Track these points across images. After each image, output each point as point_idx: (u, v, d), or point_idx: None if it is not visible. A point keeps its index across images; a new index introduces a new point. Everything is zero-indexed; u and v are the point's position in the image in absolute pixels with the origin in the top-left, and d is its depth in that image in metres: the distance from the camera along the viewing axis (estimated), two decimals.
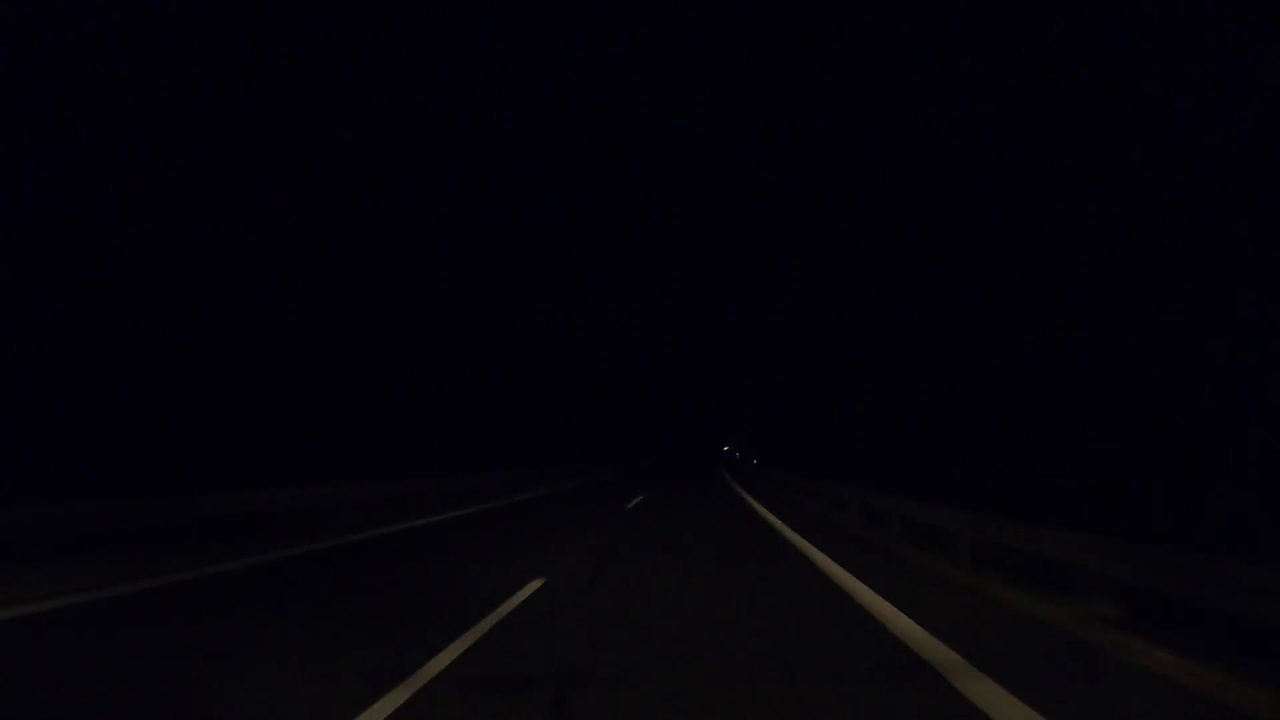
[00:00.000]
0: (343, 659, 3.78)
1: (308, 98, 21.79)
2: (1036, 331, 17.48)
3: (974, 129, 21.07)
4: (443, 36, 32.13)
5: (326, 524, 9.59)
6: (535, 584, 5.76)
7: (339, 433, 20.64)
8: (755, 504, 16.10)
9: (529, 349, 39.46)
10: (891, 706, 3.29)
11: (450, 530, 10.19)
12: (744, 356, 60.96)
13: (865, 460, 23.55)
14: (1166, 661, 3.99)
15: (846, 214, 32.86)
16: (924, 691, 3.46)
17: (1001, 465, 15.45)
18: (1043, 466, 14.33)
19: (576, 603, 5.28)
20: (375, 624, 4.59)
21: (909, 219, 25.55)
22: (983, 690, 3.40)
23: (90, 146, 15.75)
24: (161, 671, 3.61)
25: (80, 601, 4.98)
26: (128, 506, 7.63)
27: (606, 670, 3.63)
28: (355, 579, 6.42)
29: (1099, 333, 15.15)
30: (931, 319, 23.49)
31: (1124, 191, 15.32)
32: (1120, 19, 14.49)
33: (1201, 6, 12.73)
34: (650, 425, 73.17)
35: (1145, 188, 14.57)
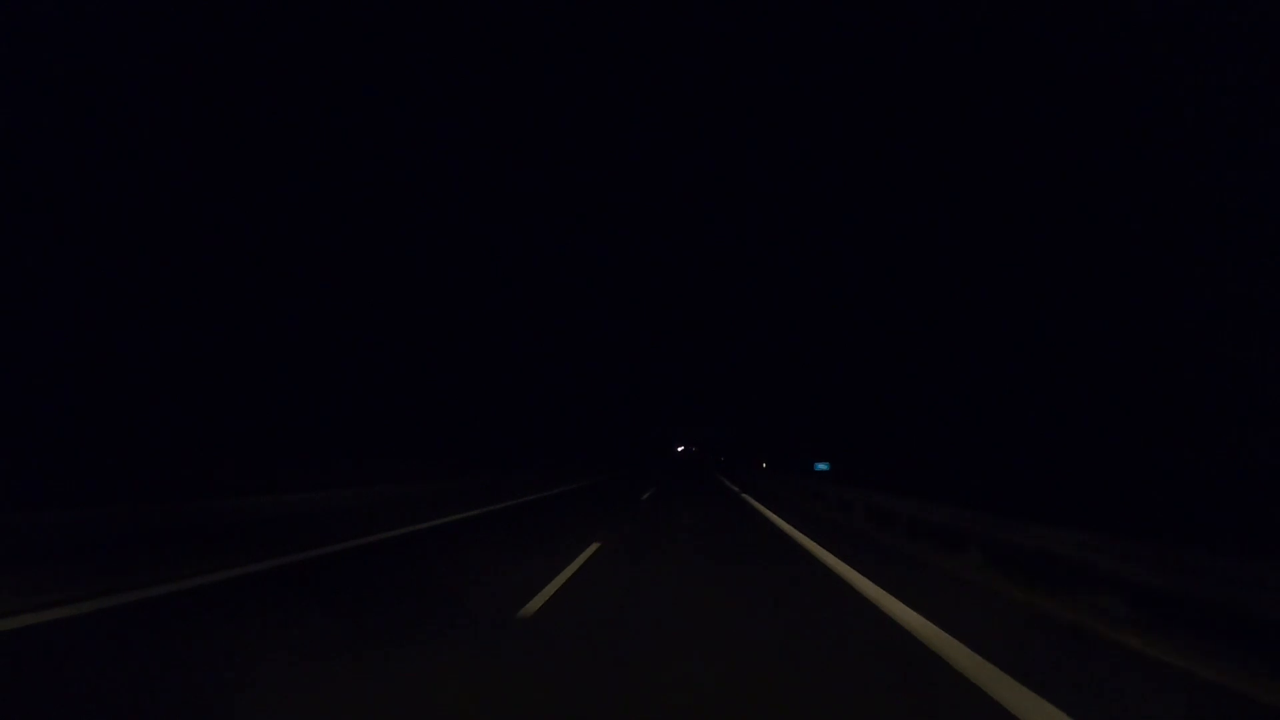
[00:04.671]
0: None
1: (314, 103, 21.80)
2: (1035, 330, 17.52)
3: (973, 128, 21.13)
4: (445, 38, 32.16)
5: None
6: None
7: (338, 435, 20.63)
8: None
9: (525, 351, 39.43)
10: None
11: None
12: (745, 358, 60.91)
13: (873, 461, 23.56)
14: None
15: (846, 213, 32.91)
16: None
17: (1005, 465, 15.49)
18: (1045, 465, 14.36)
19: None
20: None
21: (909, 219, 25.60)
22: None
23: (90, 147, 15.70)
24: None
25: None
26: (166, 511, 7.61)
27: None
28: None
29: (1098, 331, 15.19)
30: (931, 318, 23.53)
31: (1120, 191, 15.38)
32: (1121, 19, 14.54)
33: (1202, 7, 12.80)
34: (651, 430, 72.18)
35: (1143, 188, 14.63)
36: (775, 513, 13.98)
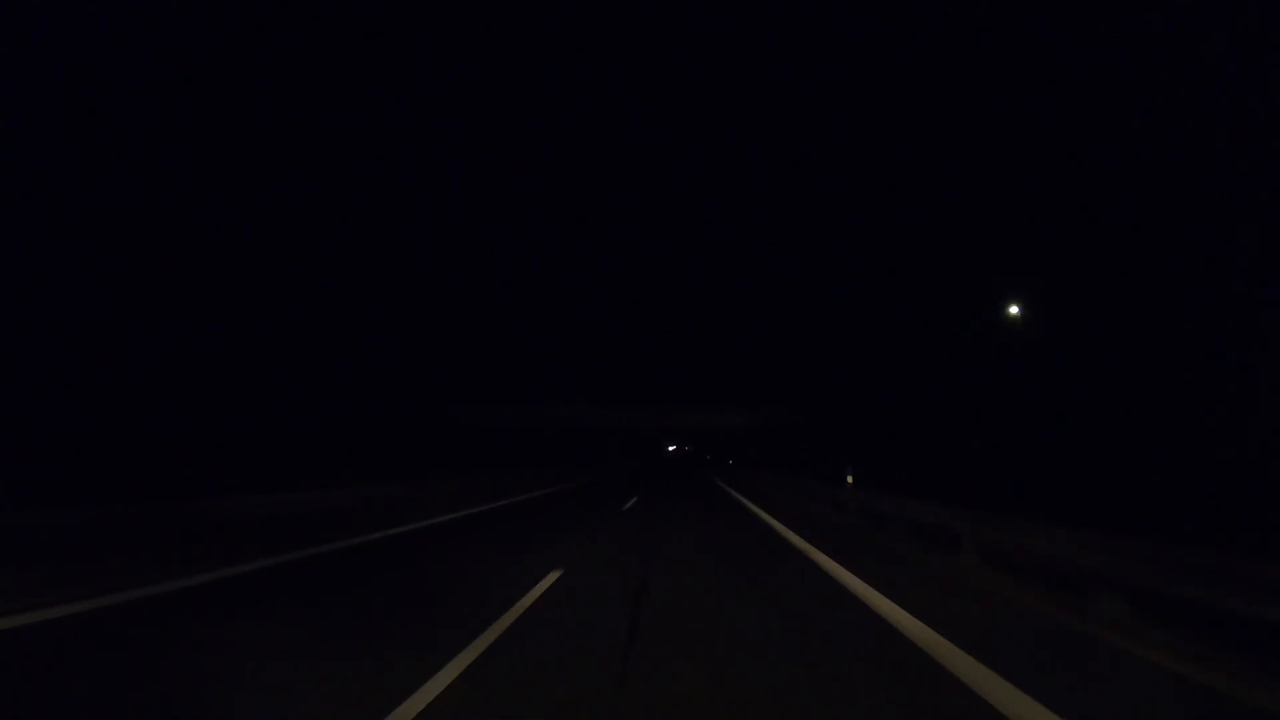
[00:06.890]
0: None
1: (314, 103, 21.79)
2: (1035, 329, 17.48)
3: (973, 128, 21.10)
4: (445, 38, 32.17)
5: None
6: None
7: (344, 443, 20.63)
8: None
9: (525, 351, 39.42)
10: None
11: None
12: (744, 359, 60.75)
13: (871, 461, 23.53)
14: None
15: (846, 213, 32.87)
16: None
17: (1004, 464, 15.47)
18: (1044, 465, 14.35)
19: None
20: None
21: (909, 219, 25.58)
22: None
23: (90, 147, 15.67)
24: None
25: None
26: (164, 510, 7.57)
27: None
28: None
29: (1098, 332, 15.17)
30: (930, 317, 23.50)
31: (1120, 191, 15.35)
32: (1121, 19, 14.53)
33: (1202, 7, 12.78)
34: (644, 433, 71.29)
35: (1143, 188, 14.60)
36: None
